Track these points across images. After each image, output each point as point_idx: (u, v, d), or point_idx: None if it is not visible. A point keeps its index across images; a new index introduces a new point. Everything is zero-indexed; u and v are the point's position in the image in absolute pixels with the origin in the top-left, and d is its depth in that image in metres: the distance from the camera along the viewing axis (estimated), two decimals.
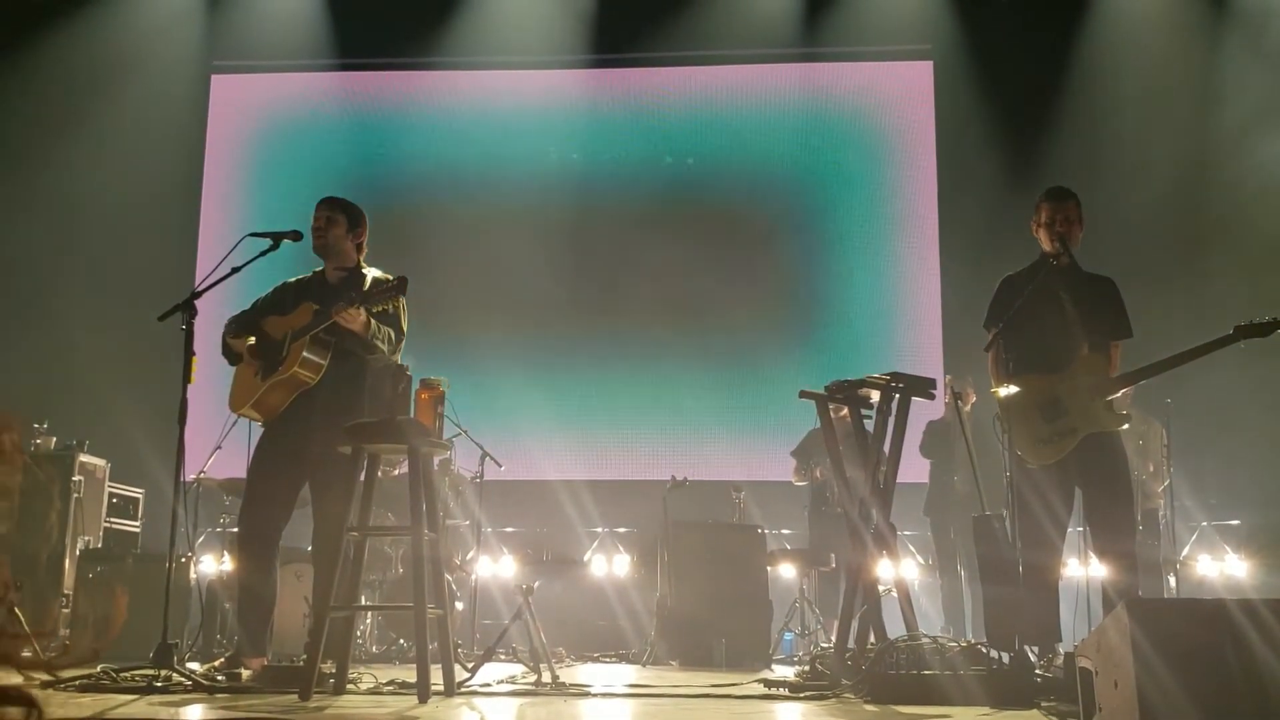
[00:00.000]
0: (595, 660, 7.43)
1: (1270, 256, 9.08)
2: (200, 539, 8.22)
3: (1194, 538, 9.06)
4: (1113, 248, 8.63)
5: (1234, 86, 9.89)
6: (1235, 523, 9.11)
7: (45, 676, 4.40)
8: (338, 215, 5.02)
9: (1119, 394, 4.89)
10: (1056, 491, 4.76)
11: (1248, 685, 2.78)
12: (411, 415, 4.36)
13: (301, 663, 4.31)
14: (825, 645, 6.68)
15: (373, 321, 4.75)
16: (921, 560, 9.20)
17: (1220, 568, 8.59)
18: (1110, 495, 4.76)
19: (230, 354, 5.03)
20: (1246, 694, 2.78)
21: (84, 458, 7.56)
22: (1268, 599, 2.91)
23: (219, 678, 4.52)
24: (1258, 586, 8.27)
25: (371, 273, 5.01)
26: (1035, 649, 4.66)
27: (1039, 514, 4.71)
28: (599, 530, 9.65)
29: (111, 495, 7.90)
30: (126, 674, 4.36)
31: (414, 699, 4.02)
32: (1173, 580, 7.88)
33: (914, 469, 8.18)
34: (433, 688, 4.09)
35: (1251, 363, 8.74)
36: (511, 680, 4.95)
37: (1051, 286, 4.84)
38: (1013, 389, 4.65)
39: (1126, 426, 4.92)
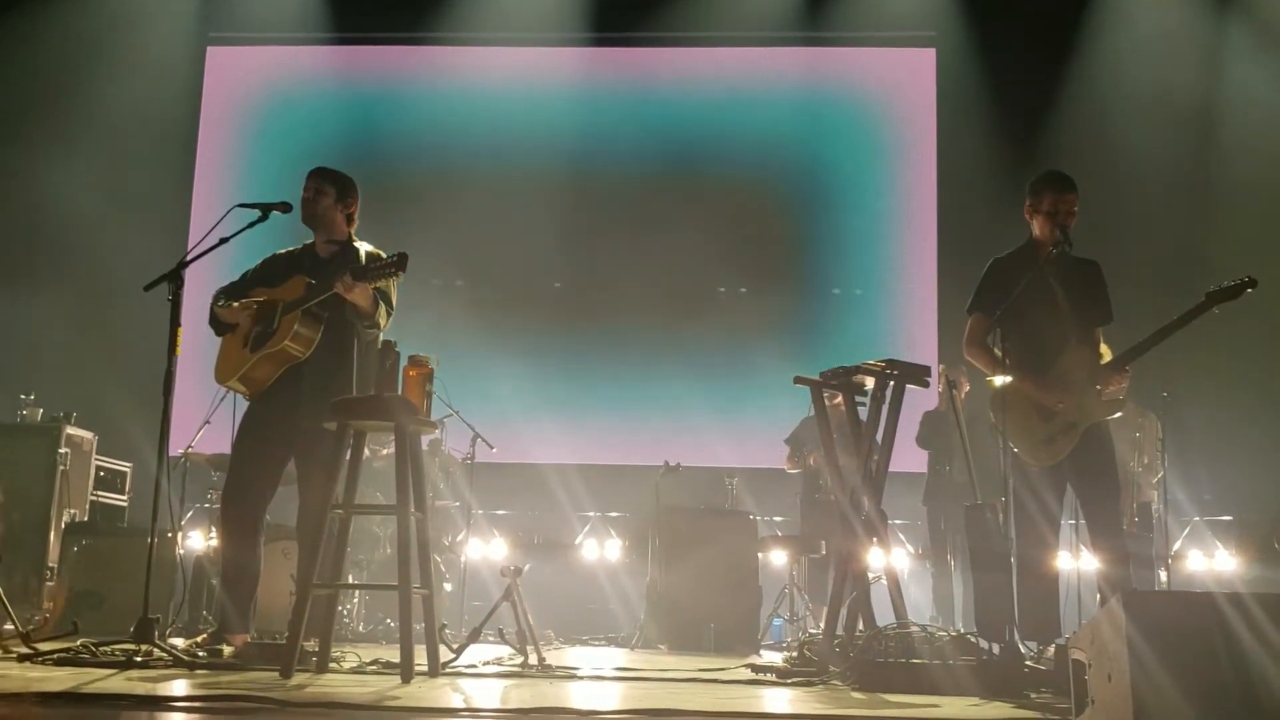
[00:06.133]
0: (585, 643, 7.41)
1: (1275, 247, 9.02)
2: (188, 514, 8.17)
3: (1185, 532, 9.05)
4: (1114, 238, 8.60)
5: (1240, 76, 9.83)
6: (1227, 518, 9.09)
7: (23, 649, 4.37)
8: (326, 186, 4.96)
9: (1116, 383, 4.82)
10: (1050, 487, 4.72)
11: (1238, 679, 2.75)
12: (399, 392, 4.31)
13: (284, 640, 4.26)
14: (814, 631, 6.66)
15: (376, 296, 4.71)
16: (911, 549, 9.17)
17: (1210, 563, 8.58)
18: (1101, 491, 4.72)
19: (217, 324, 4.97)
20: (1237, 687, 2.74)
21: (71, 430, 7.51)
22: (1258, 593, 2.88)
23: (201, 654, 4.47)
24: (1247, 582, 8.26)
25: (364, 247, 4.96)
26: (1034, 644, 4.63)
27: (1034, 510, 4.66)
28: (591, 514, 9.62)
29: (99, 468, 7.85)
30: (106, 648, 4.31)
31: (397, 679, 3.98)
32: (1164, 574, 7.86)
33: (907, 458, 8.13)
34: (417, 668, 4.05)
35: (1247, 359, 8.78)
36: (498, 662, 4.91)
37: (1043, 277, 4.77)
38: (1008, 378, 4.59)
39: (1120, 414, 4.86)
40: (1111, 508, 4.75)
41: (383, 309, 4.81)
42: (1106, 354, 4.93)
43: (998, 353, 4.69)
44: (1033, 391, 4.72)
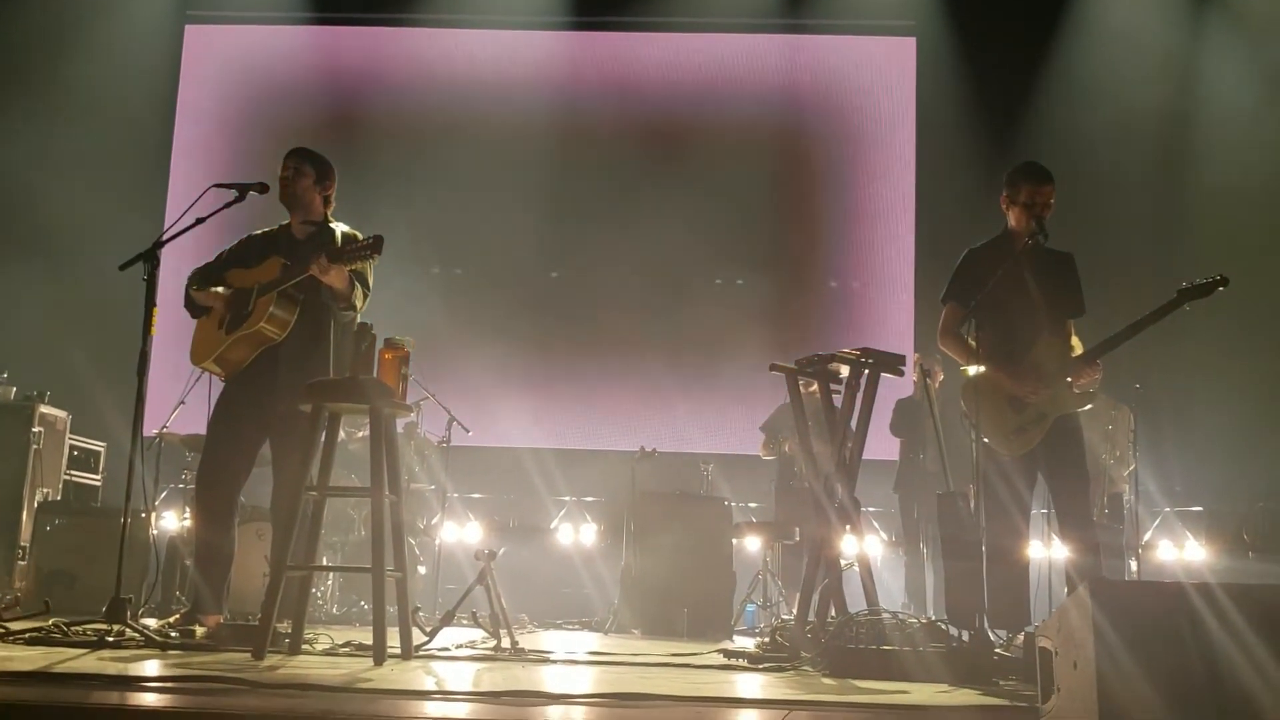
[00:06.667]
0: (558, 627, 7.43)
1: (1249, 239, 9.09)
2: (163, 495, 8.14)
3: (1156, 523, 9.13)
4: (1090, 230, 8.65)
5: (1216, 69, 9.89)
6: (1197, 509, 9.17)
7: None
8: (306, 166, 4.94)
9: (1088, 376, 4.85)
10: (1022, 476, 4.75)
11: (1205, 668, 2.78)
12: (375, 375, 4.31)
13: (257, 621, 4.27)
14: (786, 617, 6.69)
15: (352, 277, 4.71)
16: (885, 536, 9.23)
17: (1180, 554, 8.66)
18: (1072, 481, 4.74)
19: (193, 306, 4.95)
20: (1203, 676, 2.77)
21: (44, 409, 7.47)
22: (1225, 583, 2.91)
23: (173, 634, 4.47)
24: (1217, 572, 8.34)
25: (340, 228, 4.94)
26: (1004, 632, 4.68)
27: (1006, 499, 4.69)
28: (566, 499, 9.63)
29: (72, 448, 7.81)
30: (78, 628, 4.30)
31: (369, 661, 3.99)
32: (1134, 564, 7.93)
33: (882, 445, 8.18)
34: (390, 651, 4.06)
35: (1219, 352, 8.85)
36: (471, 645, 4.92)
37: (1018, 268, 4.79)
38: (981, 368, 4.61)
39: (1090, 406, 4.89)
40: (1082, 498, 4.79)
41: (359, 291, 4.80)
42: (1077, 346, 4.96)
43: (972, 343, 4.72)
44: (1005, 382, 4.74)
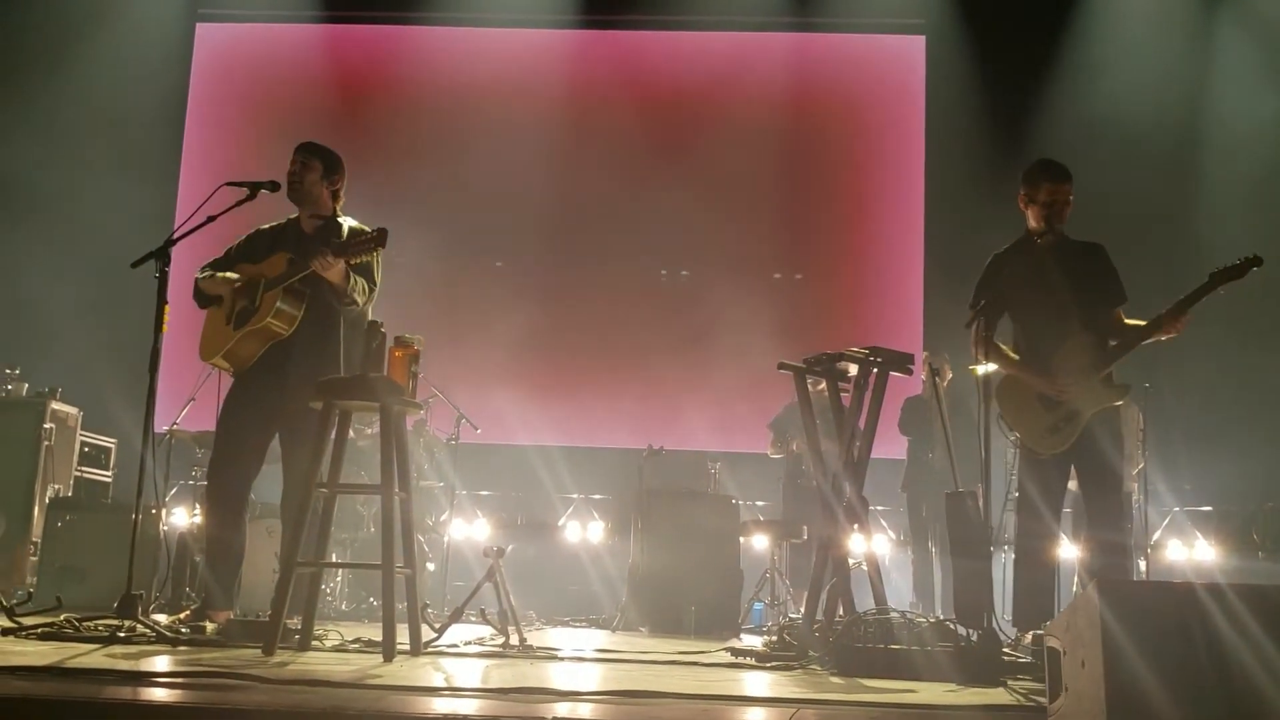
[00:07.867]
0: (566, 625, 7.44)
1: (1260, 237, 9.06)
2: (173, 491, 8.17)
3: (1165, 523, 9.11)
4: (1104, 227, 8.62)
5: (1227, 62, 9.85)
6: (1207, 509, 9.15)
7: (6, 623, 4.38)
8: (313, 161, 4.96)
9: (1180, 327, 4.78)
10: (1057, 477, 4.74)
11: (1214, 667, 2.77)
12: (385, 373, 4.32)
13: (267, 617, 4.28)
14: (794, 616, 6.69)
15: (350, 273, 4.71)
16: (893, 536, 9.22)
17: (1190, 553, 8.64)
18: (1104, 482, 4.73)
19: (202, 296, 4.97)
20: (1212, 676, 2.77)
21: (56, 405, 7.50)
22: (1235, 583, 2.91)
23: (184, 630, 4.49)
24: (1226, 572, 8.32)
25: (348, 222, 4.95)
26: (1013, 631, 4.67)
27: (1039, 500, 4.68)
28: (574, 496, 9.65)
29: (83, 444, 7.84)
30: (90, 623, 4.32)
31: (379, 657, 4.00)
32: (1143, 564, 7.92)
33: (889, 444, 8.17)
34: (399, 647, 4.07)
35: (1228, 350, 8.82)
36: (479, 642, 4.93)
37: (1043, 266, 4.76)
38: (991, 366, 4.60)
39: (1122, 401, 4.87)
40: (1114, 498, 4.78)
41: (360, 285, 4.79)
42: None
43: (1003, 347, 4.71)
44: (1032, 380, 4.74)
